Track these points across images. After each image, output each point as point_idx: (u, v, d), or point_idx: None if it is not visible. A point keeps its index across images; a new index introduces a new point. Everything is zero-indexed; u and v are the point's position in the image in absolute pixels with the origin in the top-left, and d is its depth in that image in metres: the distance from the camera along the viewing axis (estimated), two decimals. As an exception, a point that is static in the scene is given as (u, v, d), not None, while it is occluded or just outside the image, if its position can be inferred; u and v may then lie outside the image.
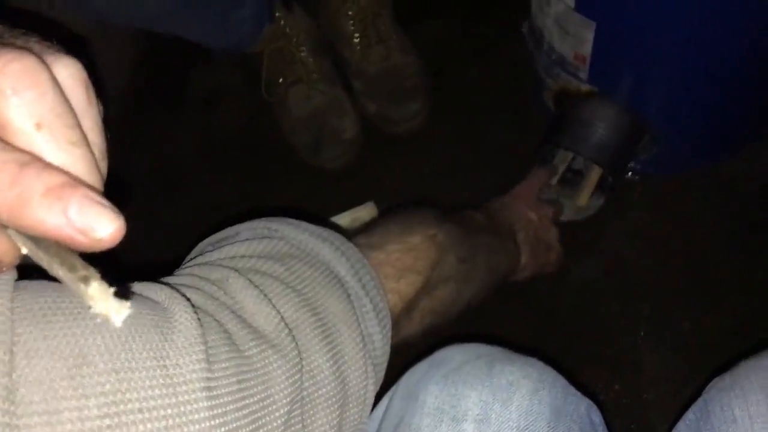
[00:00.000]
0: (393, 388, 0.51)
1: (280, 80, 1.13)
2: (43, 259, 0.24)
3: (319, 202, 1.09)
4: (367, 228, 0.57)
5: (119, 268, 0.28)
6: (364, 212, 1.06)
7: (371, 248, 0.52)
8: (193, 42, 1.04)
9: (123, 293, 0.24)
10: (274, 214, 0.51)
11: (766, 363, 0.47)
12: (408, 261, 0.53)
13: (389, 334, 0.47)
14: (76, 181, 0.23)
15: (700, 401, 0.50)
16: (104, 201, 0.22)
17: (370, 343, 0.44)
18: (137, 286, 0.36)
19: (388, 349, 0.47)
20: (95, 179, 0.24)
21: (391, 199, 1.07)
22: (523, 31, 1.04)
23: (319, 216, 0.66)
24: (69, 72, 0.24)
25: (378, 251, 0.52)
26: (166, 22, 0.96)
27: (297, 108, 1.13)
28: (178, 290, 0.37)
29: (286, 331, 0.39)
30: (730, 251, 0.99)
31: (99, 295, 0.23)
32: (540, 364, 0.48)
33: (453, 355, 0.49)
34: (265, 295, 0.40)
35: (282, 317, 0.40)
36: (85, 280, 0.23)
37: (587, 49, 0.90)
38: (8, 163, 0.22)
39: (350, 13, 1.13)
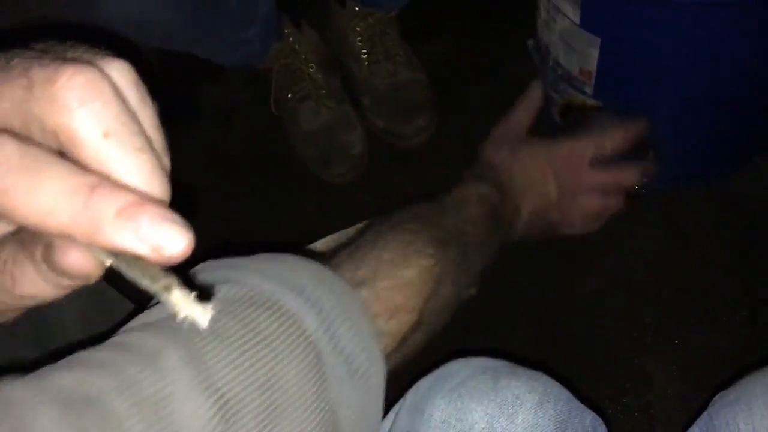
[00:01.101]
0: (399, 403, 0.51)
1: (289, 96, 1.15)
2: (127, 272, 0.25)
3: (328, 216, 1.10)
4: (356, 250, 0.50)
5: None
6: (372, 227, 1.07)
7: (359, 284, 0.46)
8: (204, 58, 1.05)
9: (205, 295, 0.25)
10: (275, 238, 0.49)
11: (771, 377, 0.47)
12: (400, 299, 0.47)
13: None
14: (146, 195, 0.24)
15: (705, 416, 0.50)
16: (174, 216, 0.23)
17: (339, 410, 0.38)
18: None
19: None
20: (162, 181, 0.25)
21: (399, 213, 1.08)
22: (530, 48, 1.05)
23: (303, 249, 0.58)
24: (121, 74, 0.25)
25: (367, 288, 0.46)
26: (176, 40, 0.98)
27: (306, 123, 1.14)
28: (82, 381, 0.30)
29: (219, 429, 0.32)
30: (734, 265, 0.99)
31: (182, 301, 0.24)
32: (545, 378, 0.48)
33: (459, 369, 0.49)
34: (206, 376, 0.33)
35: (221, 402, 0.33)
36: (167, 289, 0.24)
37: (592, 64, 0.91)
38: (80, 187, 0.22)
39: (358, 29, 1.14)
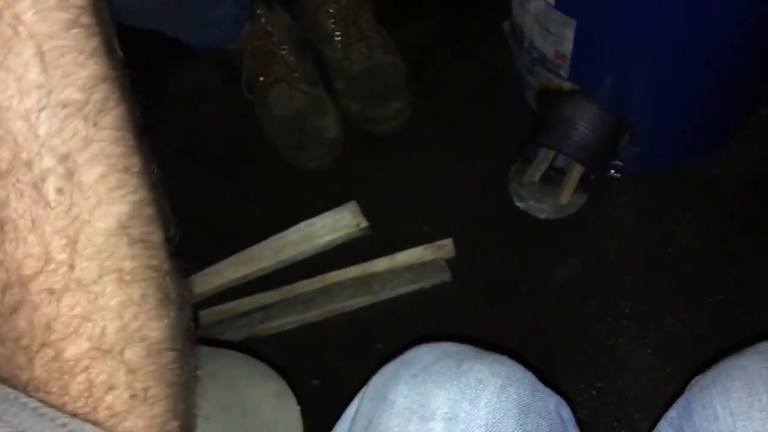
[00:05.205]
0: (363, 389, 0.50)
1: (261, 79, 1.13)
2: None
3: (302, 202, 1.09)
4: None
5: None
6: (347, 212, 1.05)
7: None
8: (172, 39, 1.03)
9: None
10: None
11: (747, 361, 0.47)
12: None
13: None
14: None
15: (682, 399, 0.50)
16: None
17: None
18: None
19: None
20: None
21: (374, 199, 1.07)
22: (504, 30, 1.04)
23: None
24: None
25: None
26: (143, 17, 0.95)
27: (278, 108, 1.12)
28: None
29: None
30: (711, 248, 0.99)
31: None
32: (509, 362, 0.48)
33: (422, 354, 0.48)
34: None
35: None
36: None
37: (568, 47, 0.90)
38: None
39: (331, 11, 1.12)
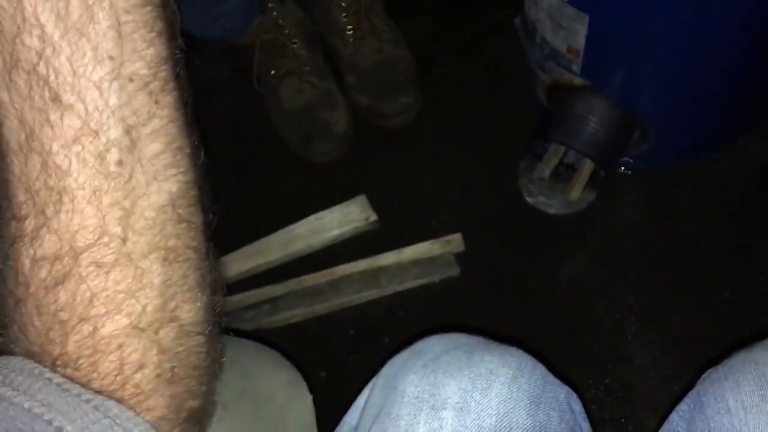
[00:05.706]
0: (373, 379, 0.50)
1: (272, 72, 1.13)
2: None
3: (310, 195, 1.09)
4: None
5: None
6: (356, 206, 1.05)
7: None
8: (180, 32, 1.03)
9: None
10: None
11: (759, 355, 0.47)
12: None
13: None
14: None
15: (693, 392, 0.50)
16: None
17: None
18: None
19: None
20: None
21: (383, 193, 1.07)
22: (516, 25, 1.04)
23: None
24: None
25: None
26: None
27: (288, 101, 1.12)
28: None
29: None
30: (719, 246, 0.99)
31: None
32: (519, 353, 0.48)
33: (433, 345, 0.48)
34: None
35: None
36: None
37: (580, 42, 0.89)
38: None
39: (343, 5, 1.12)
